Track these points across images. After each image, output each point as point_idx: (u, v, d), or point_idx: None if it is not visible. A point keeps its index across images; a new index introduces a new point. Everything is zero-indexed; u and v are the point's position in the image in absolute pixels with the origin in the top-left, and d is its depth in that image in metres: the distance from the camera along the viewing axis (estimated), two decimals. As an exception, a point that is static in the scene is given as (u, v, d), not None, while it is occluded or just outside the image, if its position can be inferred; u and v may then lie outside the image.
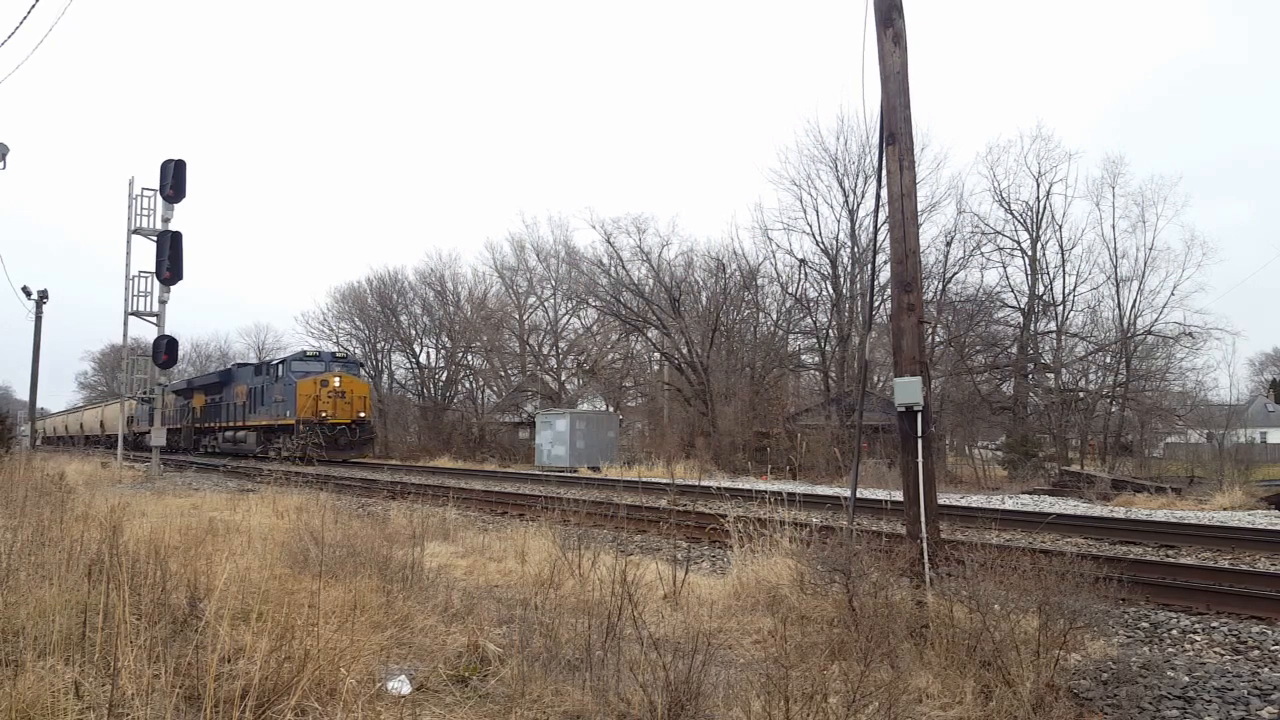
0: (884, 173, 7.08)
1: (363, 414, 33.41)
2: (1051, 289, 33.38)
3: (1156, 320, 31.72)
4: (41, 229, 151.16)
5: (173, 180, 23.14)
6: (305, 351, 35.77)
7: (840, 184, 33.81)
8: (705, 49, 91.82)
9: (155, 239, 23.38)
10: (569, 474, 26.14)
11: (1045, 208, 33.16)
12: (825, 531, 7.11)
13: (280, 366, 34.83)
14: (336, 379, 33.24)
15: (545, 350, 48.97)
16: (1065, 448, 30.80)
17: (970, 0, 68.67)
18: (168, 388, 45.65)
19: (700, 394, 34.56)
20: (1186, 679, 4.78)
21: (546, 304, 49.08)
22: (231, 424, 38.66)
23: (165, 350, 23.60)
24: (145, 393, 50.68)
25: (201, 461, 35.22)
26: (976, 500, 17.04)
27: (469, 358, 50.62)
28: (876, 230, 7.58)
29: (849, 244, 33.42)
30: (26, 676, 3.65)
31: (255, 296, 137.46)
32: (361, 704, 3.73)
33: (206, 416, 42.37)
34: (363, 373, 40.66)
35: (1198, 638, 6.00)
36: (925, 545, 6.23)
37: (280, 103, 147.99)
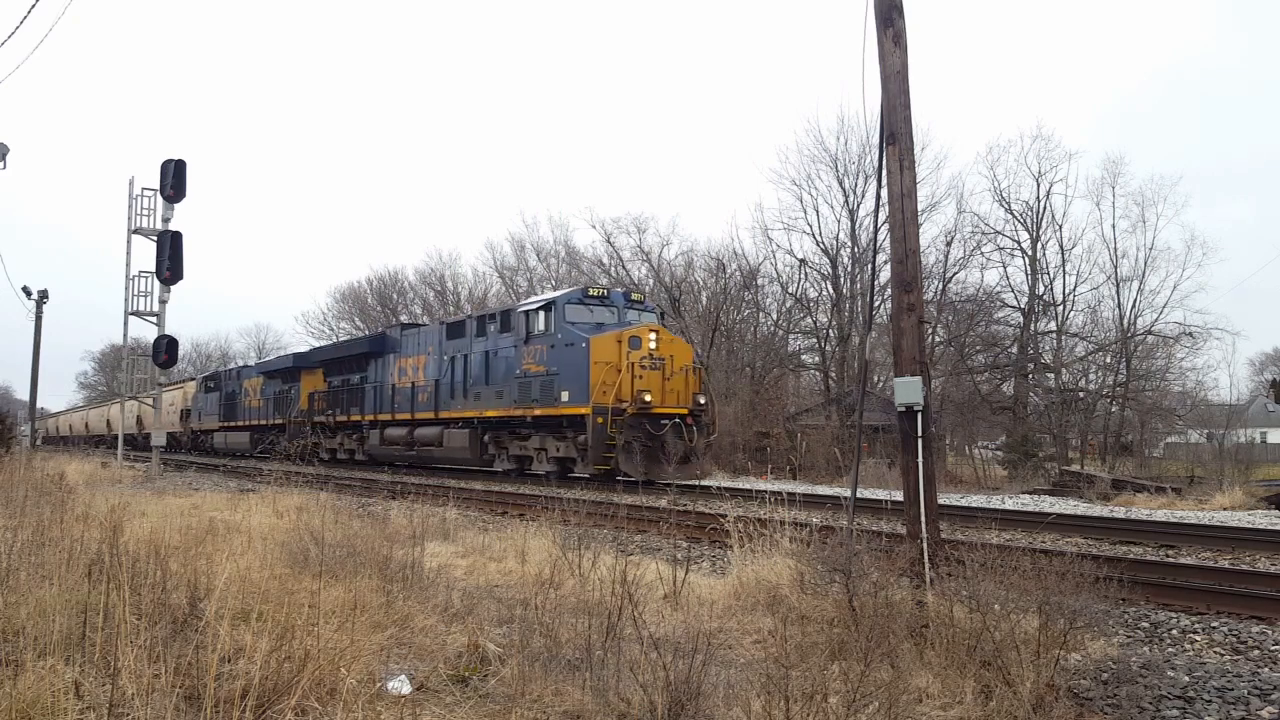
0: (884, 173, 7.08)
1: (701, 399, 19.07)
2: (1051, 289, 33.44)
3: (1156, 320, 31.76)
4: (41, 229, 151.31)
5: (173, 180, 23.14)
6: (586, 290, 20.44)
7: (840, 184, 33.82)
8: (705, 49, 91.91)
9: (155, 239, 23.38)
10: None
11: (1045, 208, 33.18)
12: (825, 531, 7.11)
13: (541, 314, 19.70)
14: (651, 336, 18.82)
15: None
16: (1065, 448, 30.80)
17: (970, 0, 68.68)
18: (250, 368, 40.01)
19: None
20: (1186, 679, 4.78)
21: (547, 304, 48.90)
22: (398, 416, 25.15)
23: (165, 350, 23.58)
24: (205, 378, 43.62)
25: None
26: (976, 500, 17.04)
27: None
28: (876, 230, 7.58)
29: (849, 244, 33.41)
30: (26, 676, 3.65)
31: (255, 296, 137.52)
32: (361, 704, 3.73)
33: (336, 406, 29.11)
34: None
35: (1198, 638, 6.00)
36: (925, 545, 6.23)
37: (280, 103, 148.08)
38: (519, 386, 20.14)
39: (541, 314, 19.85)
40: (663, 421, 18.18)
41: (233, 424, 38.41)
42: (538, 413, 19.48)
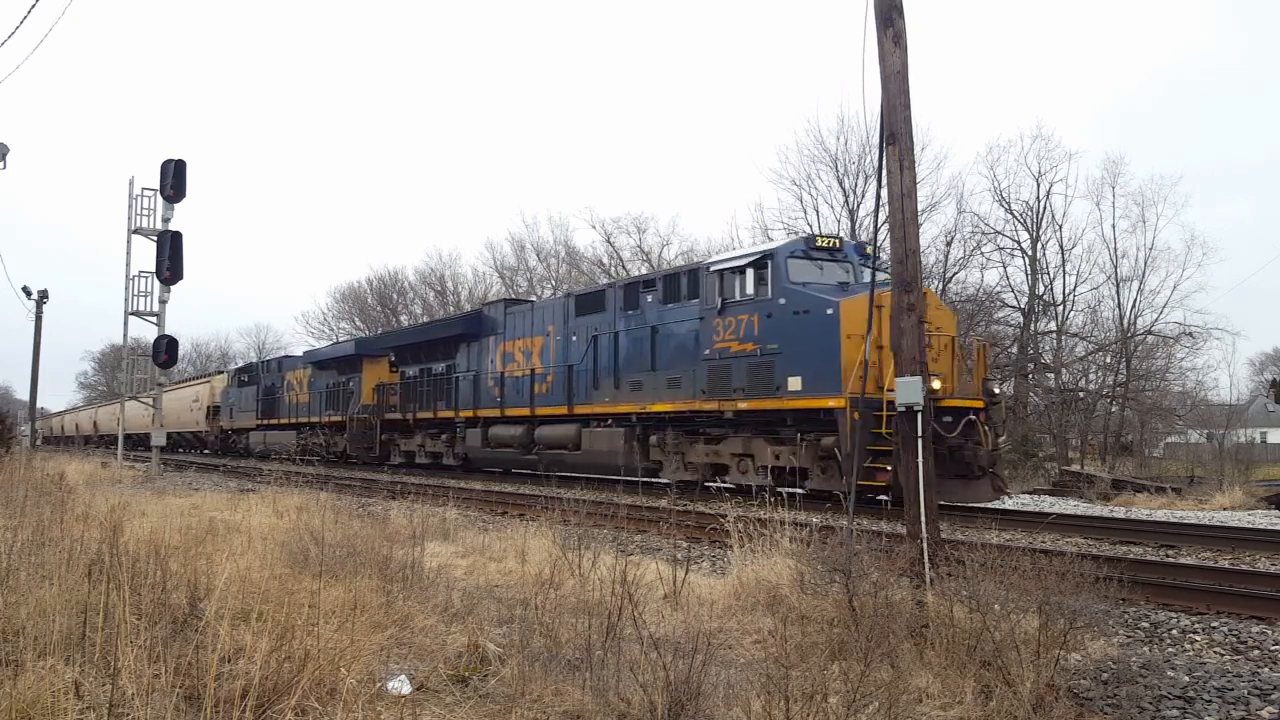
0: (884, 173, 7.09)
1: (995, 387, 14.51)
2: (1051, 289, 33.43)
3: (1157, 320, 31.75)
4: (41, 229, 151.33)
5: (173, 180, 23.14)
6: (812, 240, 15.15)
7: (840, 184, 33.78)
8: (705, 49, 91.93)
9: (155, 239, 23.38)
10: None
11: (1045, 208, 33.14)
12: (825, 531, 7.11)
13: (750, 273, 14.61)
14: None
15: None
16: (1065, 447, 30.80)
17: (970, 0, 68.68)
18: (294, 358, 35.08)
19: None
20: (1186, 679, 4.78)
21: (548, 304, 48.95)
22: (509, 412, 20.31)
23: (165, 350, 23.59)
24: (236, 371, 40.04)
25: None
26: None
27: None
28: (876, 230, 7.58)
29: (850, 244, 33.29)
30: (26, 676, 3.65)
31: (255, 296, 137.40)
32: (361, 704, 3.73)
33: (414, 400, 24.36)
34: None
35: (1198, 638, 6.00)
36: (925, 545, 6.23)
37: (280, 103, 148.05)
38: (709, 372, 14.77)
39: (750, 273, 14.44)
40: (946, 419, 12.36)
41: (273, 421, 33.97)
42: (744, 406, 14.09)
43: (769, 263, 14.22)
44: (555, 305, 20.23)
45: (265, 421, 34.61)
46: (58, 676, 3.67)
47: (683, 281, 16.17)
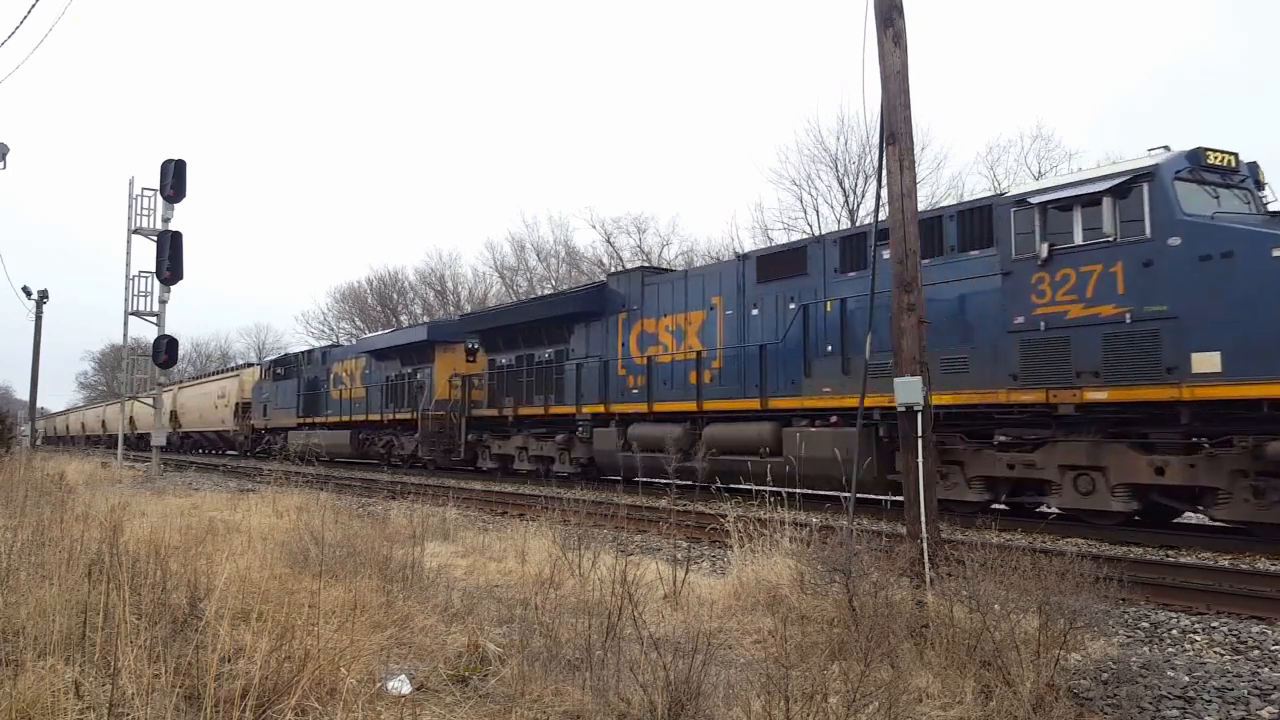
0: (884, 173, 7.09)
1: None
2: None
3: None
4: (41, 229, 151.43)
5: (173, 180, 23.17)
6: (1202, 154, 10.08)
7: (840, 184, 33.86)
8: (705, 49, 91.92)
9: (155, 239, 23.41)
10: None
11: (1047, 207, 33.04)
12: (825, 531, 7.11)
13: (1108, 203, 10.06)
14: None
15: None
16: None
17: (970, 0, 68.69)
18: (343, 348, 31.72)
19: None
20: (1186, 679, 4.78)
21: (548, 304, 48.92)
22: (658, 407, 16.62)
23: (165, 350, 23.60)
24: (270, 362, 35.65)
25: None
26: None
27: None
28: (877, 230, 7.58)
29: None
30: (26, 676, 3.66)
31: (255, 296, 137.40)
32: (361, 704, 3.73)
33: (510, 393, 20.65)
34: None
35: (1198, 638, 6.00)
36: (925, 545, 6.23)
37: (280, 103, 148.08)
38: (1023, 348, 10.72)
39: (1107, 204, 10.14)
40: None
41: (319, 420, 30.08)
42: (1102, 396, 9.99)
43: (1145, 187, 9.92)
44: (720, 272, 15.98)
45: (309, 420, 30.80)
46: (58, 676, 3.67)
47: (957, 225, 11.85)
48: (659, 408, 16.48)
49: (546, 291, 41.54)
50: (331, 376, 30.22)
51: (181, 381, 50.57)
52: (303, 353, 34.96)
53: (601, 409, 17.72)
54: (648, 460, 15.53)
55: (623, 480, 16.23)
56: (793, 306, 14.00)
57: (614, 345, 17.85)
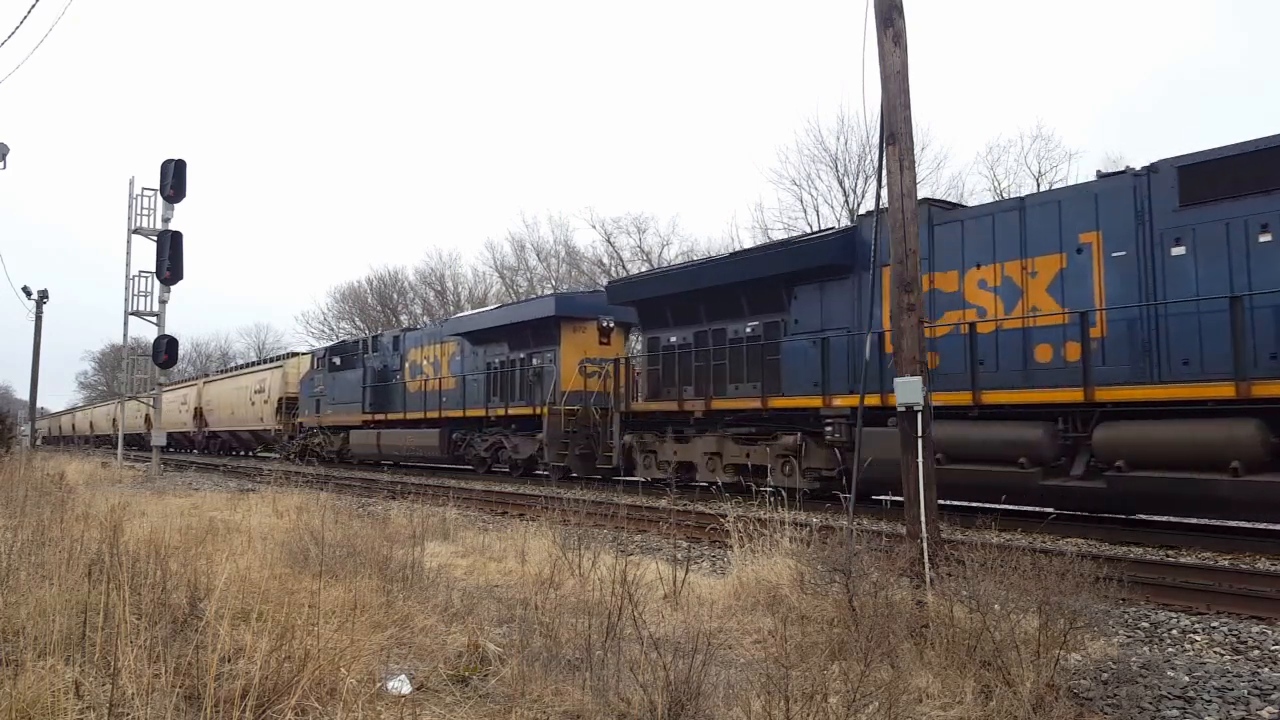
0: (884, 173, 7.09)
1: None
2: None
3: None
4: (41, 229, 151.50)
5: (173, 180, 23.19)
6: None
7: (840, 184, 33.89)
8: (705, 49, 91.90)
9: (155, 239, 23.42)
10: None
11: (1048, 207, 32.96)
12: (825, 531, 7.11)
13: None
14: None
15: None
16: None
17: (970, 0, 68.70)
18: (418, 331, 26.66)
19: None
20: (1186, 679, 4.78)
21: (548, 304, 48.86)
22: (978, 398, 11.22)
23: (165, 350, 23.62)
24: (323, 350, 30.18)
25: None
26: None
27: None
28: (877, 230, 7.59)
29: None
30: (26, 676, 3.66)
31: (255, 296, 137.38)
32: (361, 704, 3.73)
33: (693, 380, 16.15)
34: None
35: (1198, 638, 6.00)
36: (925, 545, 6.24)
37: (280, 103, 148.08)
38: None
39: None
40: None
41: (394, 417, 25.10)
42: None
43: None
44: (1094, 195, 10.91)
45: (379, 417, 25.80)
46: (58, 676, 3.68)
47: None
48: (995, 398, 11.16)
49: (547, 291, 40.72)
50: (407, 365, 25.18)
51: (209, 375, 46.66)
52: (368, 338, 29.41)
53: (878, 399, 11.30)
54: (974, 478, 11.14)
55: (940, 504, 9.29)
56: (1267, 238, 9.38)
57: (869, 311, 10.76)
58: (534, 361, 20.24)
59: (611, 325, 19.88)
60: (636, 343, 19.38)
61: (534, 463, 20.49)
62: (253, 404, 35.53)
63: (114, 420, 41.72)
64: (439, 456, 23.27)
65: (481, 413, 21.66)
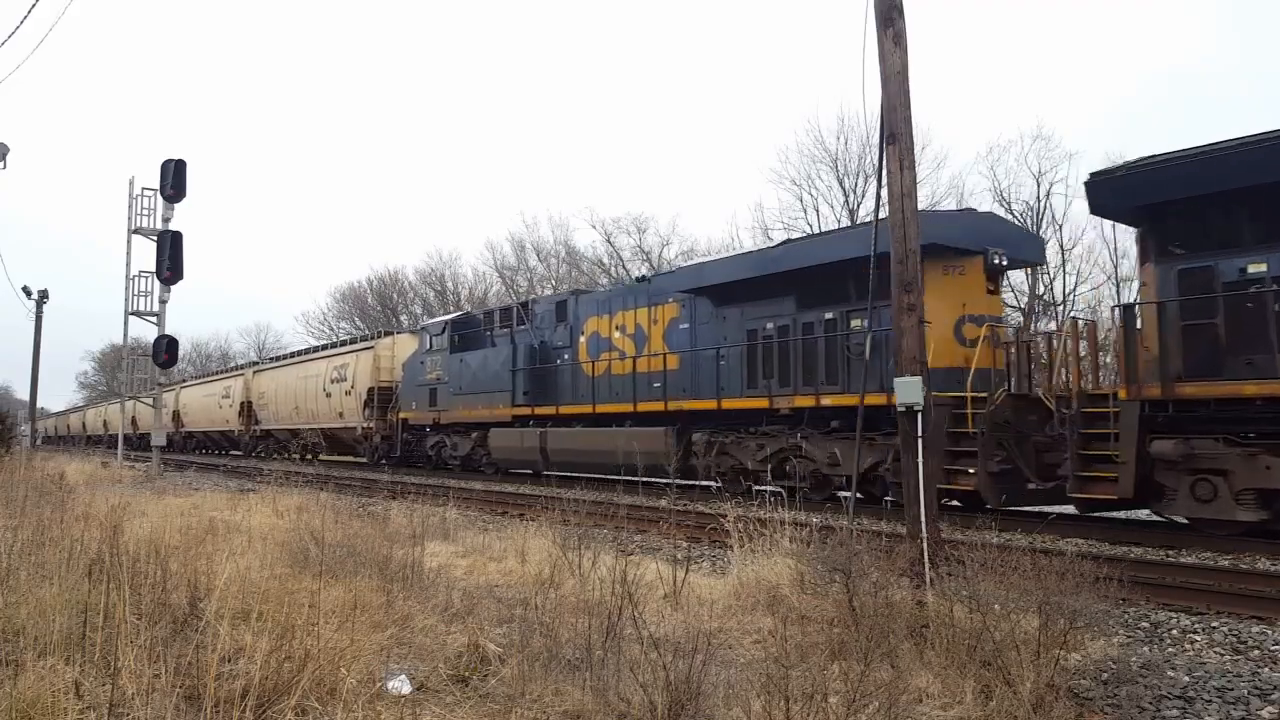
0: (884, 173, 7.08)
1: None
2: (1052, 289, 33.41)
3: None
4: (41, 229, 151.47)
5: (173, 180, 23.17)
6: None
7: (840, 184, 33.90)
8: (705, 49, 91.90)
9: (155, 239, 23.41)
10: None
11: (1045, 208, 32.88)
12: (825, 531, 7.11)
13: None
14: None
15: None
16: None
17: (970, 0, 68.71)
18: (596, 294, 20.29)
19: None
20: (1186, 679, 4.78)
21: (548, 303, 48.79)
22: None
23: (165, 350, 23.61)
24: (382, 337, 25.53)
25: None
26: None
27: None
28: (877, 230, 7.58)
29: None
30: (26, 676, 3.66)
31: (255, 296, 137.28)
32: (362, 704, 3.73)
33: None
34: None
35: (1198, 638, 6.00)
36: (925, 545, 6.23)
37: (281, 103, 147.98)
38: None
39: None
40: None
41: (568, 410, 18.32)
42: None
43: None
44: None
45: (540, 411, 18.91)
46: (58, 676, 3.68)
47: None
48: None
49: (547, 291, 40.56)
50: (583, 340, 18.34)
51: (258, 363, 40.32)
52: (514, 306, 21.89)
53: None
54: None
55: None
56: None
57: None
58: (852, 323, 13.42)
59: (1004, 262, 13.28)
60: (1146, 276, 10.33)
61: (872, 480, 13.03)
62: (327, 396, 28.45)
63: (133, 419, 38.64)
64: (665, 463, 13.95)
65: (759, 402, 14.31)
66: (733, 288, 15.25)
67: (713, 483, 15.55)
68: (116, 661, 3.75)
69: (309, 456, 30.69)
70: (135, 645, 3.76)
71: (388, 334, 28.86)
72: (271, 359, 40.83)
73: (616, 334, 17.91)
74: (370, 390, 25.98)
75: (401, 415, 24.25)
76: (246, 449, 35.94)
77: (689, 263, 19.60)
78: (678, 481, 14.58)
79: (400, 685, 4.24)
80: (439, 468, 22.79)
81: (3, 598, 4.79)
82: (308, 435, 31.07)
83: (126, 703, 3.48)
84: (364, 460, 27.24)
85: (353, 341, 30.81)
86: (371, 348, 26.93)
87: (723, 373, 15.26)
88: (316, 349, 35.29)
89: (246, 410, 34.31)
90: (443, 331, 22.90)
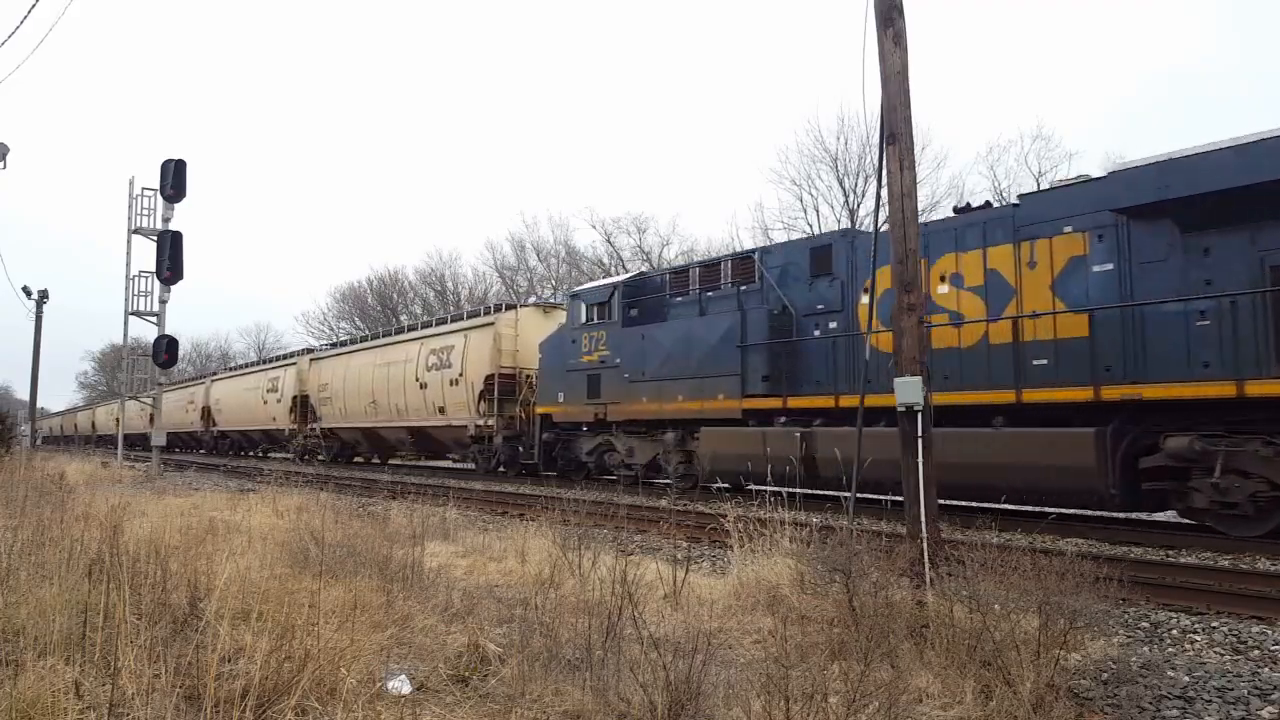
0: (884, 173, 7.08)
1: None
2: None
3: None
4: (41, 229, 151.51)
5: (173, 180, 23.18)
6: None
7: (840, 184, 33.88)
8: (705, 49, 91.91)
9: (155, 239, 23.42)
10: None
11: (1049, 206, 32.67)
12: (825, 531, 7.11)
13: None
14: None
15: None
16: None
17: (970, 0, 68.73)
18: (995, 211, 11.90)
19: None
20: (1186, 679, 4.78)
21: (549, 303, 48.75)
22: None
23: (165, 350, 23.62)
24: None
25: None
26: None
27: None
28: (877, 231, 7.58)
29: (852, 243, 33.04)
30: (26, 676, 3.66)
31: (255, 296, 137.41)
32: (362, 704, 3.73)
33: None
34: None
35: (1198, 638, 6.00)
36: (925, 545, 6.23)
37: (281, 102, 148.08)
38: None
39: None
40: None
41: (849, 402, 12.22)
42: None
43: None
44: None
45: (801, 403, 13.37)
46: (58, 676, 3.67)
47: None
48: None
49: (547, 291, 40.79)
50: (868, 300, 11.89)
51: (314, 350, 32.99)
52: (732, 258, 15.74)
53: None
54: None
55: None
56: None
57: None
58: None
59: None
60: None
61: None
62: (421, 387, 22.95)
63: (150, 417, 29.81)
64: (1071, 490, 10.52)
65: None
66: (1236, 197, 9.19)
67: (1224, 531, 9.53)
68: (116, 661, 3.75)
69: (400, 457, 26.12)
70: (135, 645, 3.76)
71: (509, 307, 22.20)
72: (330, 346, 34.25)
73: (942, 288, 12.28)
74: (489, 379, 20.30)
75: (540, 410, 18.53)
76: (298, 452, 30.06)
77: (1125, 166, 10.90)
78: (1116, 514, 9.86)
79: (400, 685, 4.24)
80: (600, 477, 17.55)
81: (3, 598, 4.79)
82: (389, 435, 25.56)
83: (126, 703, 3.48)
84: (472, 467, 21.81)
85: (459, 319, 24.03)
86: (492, 323, 21.07)
87: (1206, 337, 9.65)
88: (400, 331, 28.27)
89: (300, 405, 28.93)
90: (609, 298, 17.07)
